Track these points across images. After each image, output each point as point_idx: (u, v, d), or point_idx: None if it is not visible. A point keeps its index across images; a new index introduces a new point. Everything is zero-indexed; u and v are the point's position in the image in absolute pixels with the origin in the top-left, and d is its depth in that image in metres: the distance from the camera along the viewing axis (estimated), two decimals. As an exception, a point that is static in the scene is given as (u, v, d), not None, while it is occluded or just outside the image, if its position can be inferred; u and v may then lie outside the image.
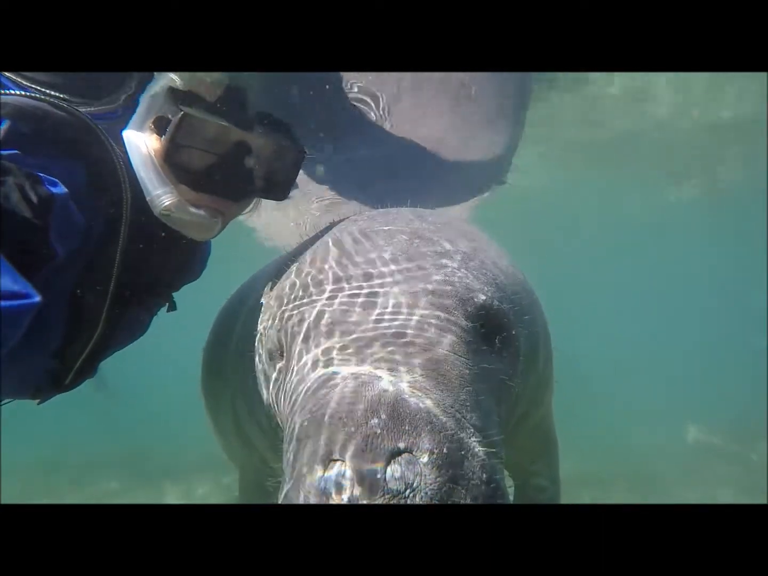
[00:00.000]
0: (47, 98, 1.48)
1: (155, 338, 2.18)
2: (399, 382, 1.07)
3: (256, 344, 1.55)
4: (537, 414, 1.86)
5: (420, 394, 1.05)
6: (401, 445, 0.96)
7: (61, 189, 1.42)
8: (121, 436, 10.44)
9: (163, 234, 1.70)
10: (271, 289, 1.56)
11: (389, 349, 1.14)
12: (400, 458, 0.95)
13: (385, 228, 1.48)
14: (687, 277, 19.32)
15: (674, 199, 9.91)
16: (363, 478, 0.93)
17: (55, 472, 8.64)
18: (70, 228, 1.46)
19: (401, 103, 2.87)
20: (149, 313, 1.97)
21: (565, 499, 2.36)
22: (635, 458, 8.22)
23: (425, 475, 0.95)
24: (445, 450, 0.98)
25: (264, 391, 1.49)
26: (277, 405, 1.37)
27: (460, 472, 0.98)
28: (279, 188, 1.75)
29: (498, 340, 1.31)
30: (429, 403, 1.04)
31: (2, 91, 1.43)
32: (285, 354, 1.34)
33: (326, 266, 1.39)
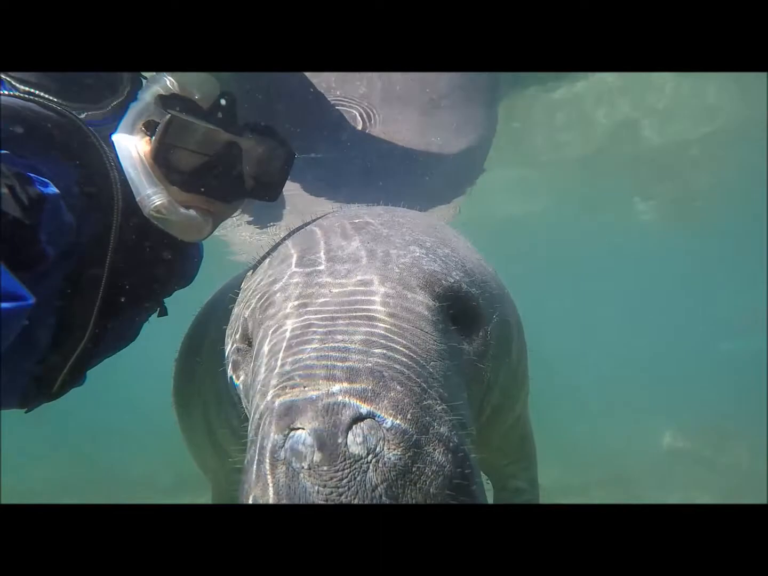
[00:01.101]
0: (38, 99, 1.48)
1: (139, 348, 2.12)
2: (362, 352, 1.05)
3: (225, 338, 1.52)
4: (512, 412, 1.84)
5: (384, 363, 1.03)
6: (363, 411, 0.94)
7: (52, 189, 1.41)
8: (89, 457, 10.16)
9: (154, 236, 1.68)
10: (243, 285, 1.54)
11: (353, 323, 1.12)
12: (362, 423, 0.93)
13: (354, 220, 1.48)
14: (657, 284, 19.75)
15: (644, 209, 10.16)
16: (323, 444, 0.91)
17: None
18: (60, 229, 1.44)
19: (374, 112, 2.90)
20: (140, 318, 1.94)
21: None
22: (612, 464, 8.31)
23: (388, 440, 0.92)
24: (409, 416, 0.96)
25: (233, 386, 1.47)
26: (246, 396, 1.34)
27: (425, 438, 0.95)
28: (269, 189, 1.75)
29: (467, 321, 1.30)
30: (393, 371, 1.02)
31: None
32: (252, 340, 1.32)
33: (293, 253, 1.38)
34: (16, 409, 1.79)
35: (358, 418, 0.93)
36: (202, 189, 1.63)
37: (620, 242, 12.62)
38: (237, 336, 1.41)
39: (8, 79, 1.50)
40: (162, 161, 1.59)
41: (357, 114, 2.71)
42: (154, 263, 1.79)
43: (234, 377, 1.44)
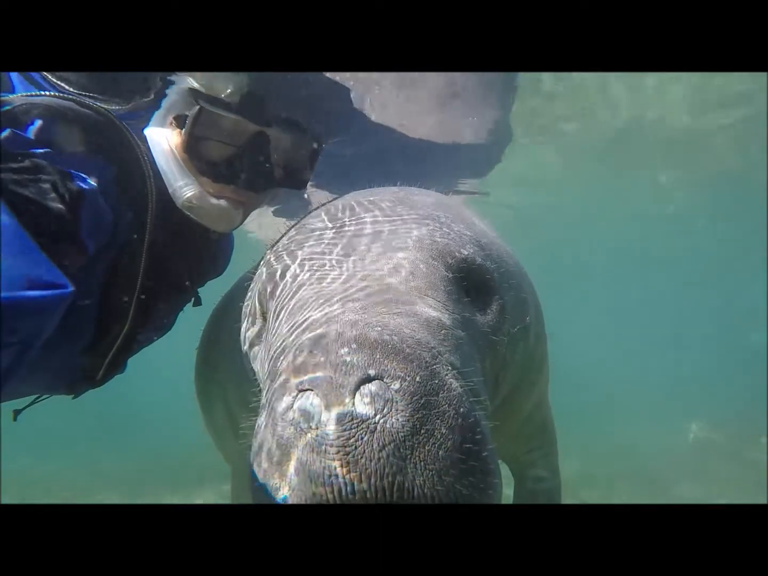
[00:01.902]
0: (77, 98, 1.54)
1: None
2: (372, 318, 1.04)
3: (242, 317, 1.54)
4: (530, 396, 1.82)
5: (394, 329, 1.02)
6: (371, 372, 0.93)
7: (91, 185, 1.46)
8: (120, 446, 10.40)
9: (187, 227, 1.74)
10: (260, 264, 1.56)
11: (364, 292, 1.12)
12: (370, 384, 0.92)
13: (369, 198, 1.48)
14: (686, 275, 19.35)
15: (670, 197, 9.93)
16: (330, 404, 0.91)
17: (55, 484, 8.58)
18: (99, 223, 1.49)
19: (388, 99, 2.88)
20: (176, 308, 1.99)
21: (567, 498, 2.34)
22: (637, 457, 8.21)
23: (396, 401, 0.91)
24: (418, 378, 0.94)
25: (250, 363, 1.48)
26: (262, 368, 1.36)
27: (434, 400, 0.94)
28: (297, 177, 1.80)
29: (480, 293, 1.29)
30: (403, 334, 1.01)
31: (34, 93, 1.50)
32: (267, 314, 1.33)
33: (308, 229, 1.39)
34: (63, 394, 1.89)
35: (366, 380, 0.92)
36: (232, 179, 1.69)
37: (648, 229, 12.39)
38: (252, 311, 1.42)
39: (51, 78, 1.57)
40: (192, 153, 1.65)
41: (370, 102, 2.70)
42: (188, 254, 1.84)
43: (250, 353, 1.45)
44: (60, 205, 1.32)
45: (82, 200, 1.40)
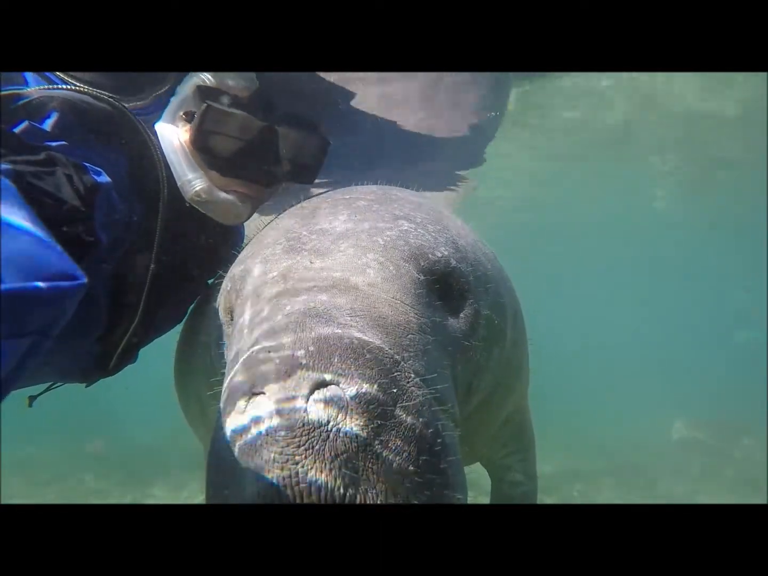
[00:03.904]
0: (92, 92, 1.57)
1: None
2: (333, 320, 1.00)
3: (213, 314, 1.53)
4: (505, 402, 1.78)
5: (356, 333, 0.98)
6: (327, 377, 0.89)
7: (105, 178, 1.48)
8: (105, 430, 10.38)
9: (197, 221, 1.77)
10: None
11: (330, 292, 1.07)
12: (325, 389, 0.88)
13: (345, 196, 1.45)
14: (671, 273, 19.52)
15: (660, 195, 9.98)
16: (282, 409, 0.87)
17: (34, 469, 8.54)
18: (112, 215, 1.51)
19: (371, 93, 2.85)
20: (186, 300, 2.03)
21: (554, 492, 2.34)
22: (621, 454, 8.30)
23: (351, 409, 0.87)
24: (376, 386, 0.90)
25: (218, 358, 1.46)
26: (227, 368, 1.34)
27: (391, 410, 0.90)
28: (305, 171, 1.82)
29: (453, 297, 1.26)
30: (363, 339, 0.97)
31: (51, 86, 1.53)
32: (233, 313, 1.30)
33: (281, 228, 1.37)
34: (78, 383, 1.95)
35: (321, 384, 0.89)
36: (240, 173, 1.72)
37: (634, 228, 12.46)
38: (222, 308, 1.40)
39: (66, 77, 1.58)
40: (201, 147, 1.67)
41: (353, 93, 2.67)
42: (198, 247, 1.88)
43: (219, 350, 1.44)
44: (75, 198, 1.32)
45: (96, 193, 1.41)
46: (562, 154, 7.20)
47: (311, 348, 0.93)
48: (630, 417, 10.68)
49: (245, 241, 1.74)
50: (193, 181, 1.68)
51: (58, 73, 1.59)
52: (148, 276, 1.68)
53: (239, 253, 1.93)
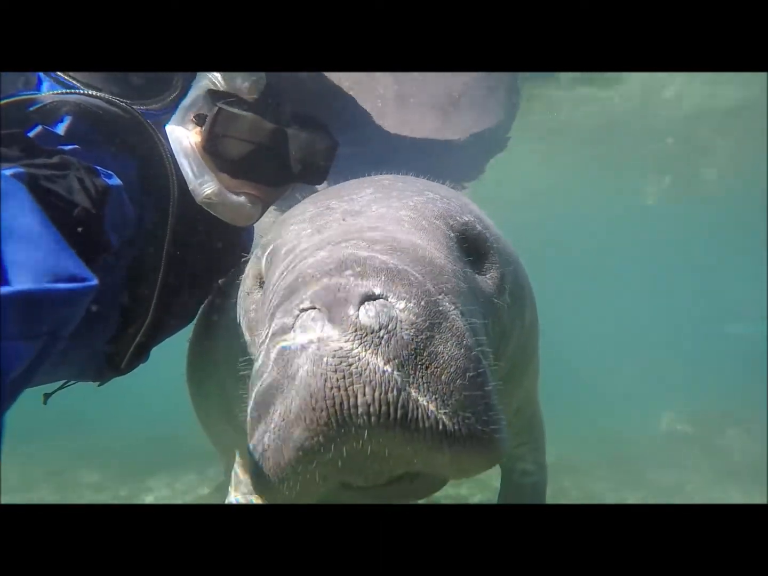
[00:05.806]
0: (104, 96, 1.59)
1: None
2: (377, 252, 0.99)
3: (239, 292, 1.52)
4: (520, 387, 1.79)
5: (399, 262, 0.97)
6: (377, 290, 0.88)
7: (116, 181, 1.49)
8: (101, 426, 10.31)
9: (207, 222, 1.78)
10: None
11: (367, 239, 1.05)
12: (375, 301, 0.87)
13: (366, 180, 1.47)
14: (663, 263, 19.58)
15: (653, 192, 10.04)
16: (333, 316, 0.85)
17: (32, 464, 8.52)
18: (123, 218, 1.53)
19: (387, 106, 2.87)
20: (197, 300, 2.06)
21: (548, 485, 2.41)
22: (613, 445, 8.39)
23: (401, 320, 0.86)
24: (423, 302, 0.90)
25: (245, 335, 1.44)
26: (255, 329, 1.31)
27: (437, 324, 0.89)
28: (316, 172, 1.83)
29: (480, 258, 1.27)
30: (407, 268, 0.96)
31: (65, 90, 1.55)
32: (264, 279, 1.29)
33: (306, 203, 1.37)
34: (90, 382, 1.97)
35: (371, 297, 0.88)
36: (251, 175, 1.74)
37: (625, 220, 12.50)
38: (248, 277, 1.39)
39: (78, 80, 1.60)
40: (212, 150, 1.69)
41: (369, 111, 2.69)
42: (209, 248, 1.89)
43: (245, 318, 1.42)
44: (86, 201, 1.34)
45: (107, 196, 1.42)
46: (556, 152, 7.24)
47: (358, 268, 0.92)
48: (621, 409, 10.78)
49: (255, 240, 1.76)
50: (203, 183, 1.71)
51: (71, 77, 1.61)
52: (159, 277, 1.70)
53: (249, 255, 1.95)
